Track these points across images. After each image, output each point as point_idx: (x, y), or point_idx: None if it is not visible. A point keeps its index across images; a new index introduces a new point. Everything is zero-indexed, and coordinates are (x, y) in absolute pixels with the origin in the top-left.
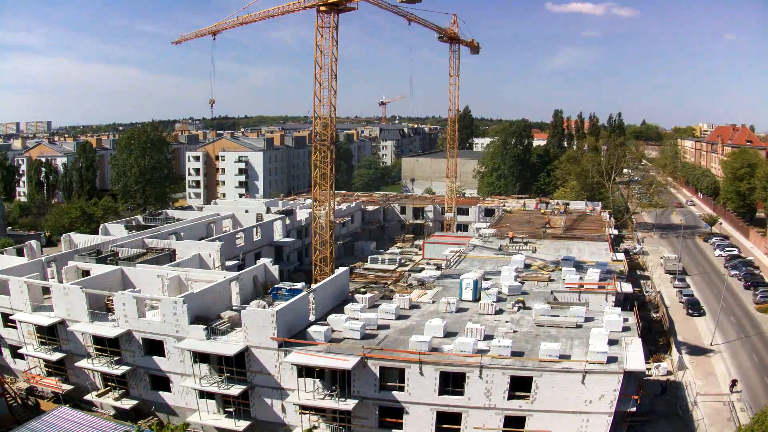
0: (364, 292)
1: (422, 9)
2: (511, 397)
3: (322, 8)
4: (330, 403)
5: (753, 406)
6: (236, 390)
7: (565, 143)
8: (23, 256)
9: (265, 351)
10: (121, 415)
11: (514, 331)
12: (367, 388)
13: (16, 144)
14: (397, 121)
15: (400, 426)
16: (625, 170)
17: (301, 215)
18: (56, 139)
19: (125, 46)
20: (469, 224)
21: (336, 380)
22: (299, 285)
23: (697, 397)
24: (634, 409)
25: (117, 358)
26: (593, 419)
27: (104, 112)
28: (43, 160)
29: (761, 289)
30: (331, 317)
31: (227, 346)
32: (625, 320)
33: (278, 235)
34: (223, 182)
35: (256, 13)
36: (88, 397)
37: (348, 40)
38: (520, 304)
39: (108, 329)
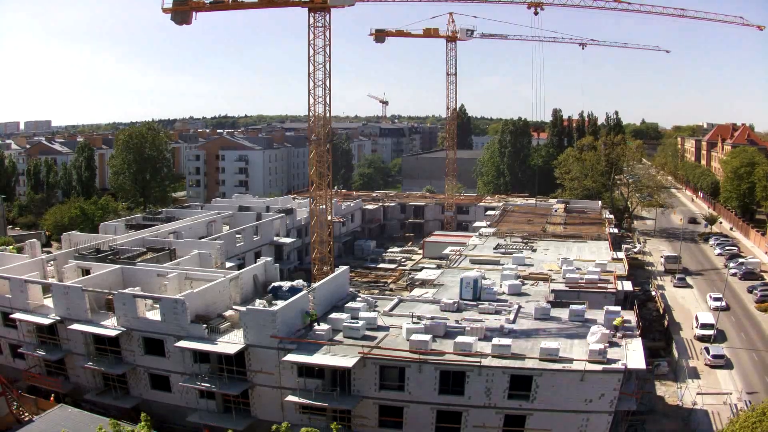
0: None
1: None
2: (511, 396)
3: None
4: (330, 403)
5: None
6: (236, 389)
7: (565, 142)
8: (24, 254)
9: (266, 350)
10: (120, 414)
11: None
12: (367, 388)
13: (16, 144)
14: (397, 120)
15: (400, 425)
16: (624, 169)
17: (301, 214)
18: (56, 138)
19: (125, 46)
20: (469, 223)
21: (336, 379)
22: (300, 284)
23: (697, 397)
24: (634, 408)
25: (117, 358)
26: (593, 418)
27: (104, 112)
28: (43, 159)
29: (761, 287)
30: (332, 316)
31: (227, 345)
32: (626, 321)
33: (278, 234)
34: (223, 181)
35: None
36: (88, 396)
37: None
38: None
39: (108, 329)
